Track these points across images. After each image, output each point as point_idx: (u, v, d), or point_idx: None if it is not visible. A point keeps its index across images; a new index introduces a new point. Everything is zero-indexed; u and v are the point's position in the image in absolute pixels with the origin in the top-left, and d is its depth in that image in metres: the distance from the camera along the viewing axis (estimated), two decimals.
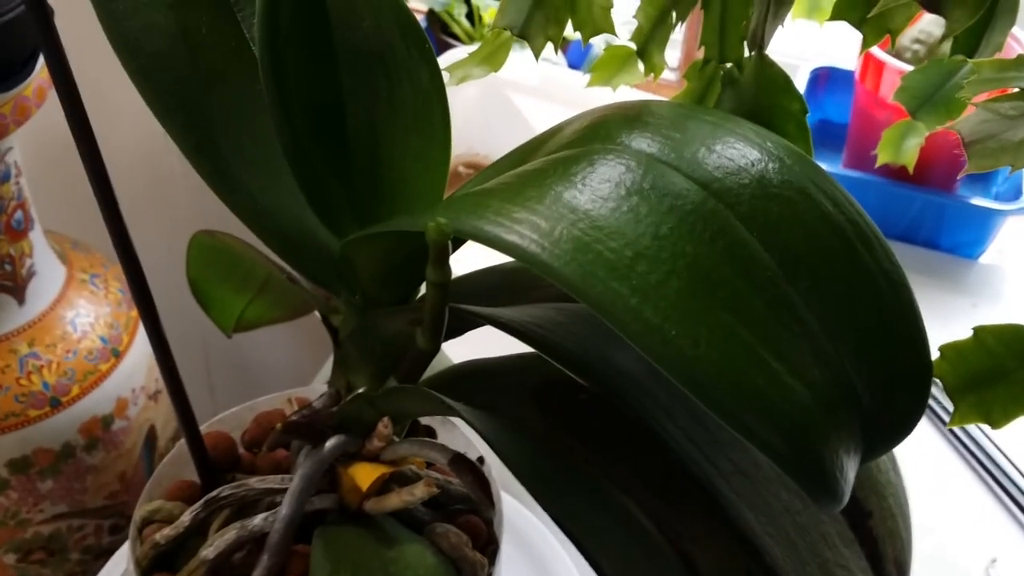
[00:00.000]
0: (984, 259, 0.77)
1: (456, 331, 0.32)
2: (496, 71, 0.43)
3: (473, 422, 0.29)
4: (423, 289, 0.35)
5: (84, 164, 0.31)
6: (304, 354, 1.05)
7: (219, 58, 0.33)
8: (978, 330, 0.28)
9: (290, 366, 1.05)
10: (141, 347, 0.79)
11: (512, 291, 0.34)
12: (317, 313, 0.63)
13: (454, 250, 0.30)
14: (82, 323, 0.75)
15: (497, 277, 0.35)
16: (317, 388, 0.39)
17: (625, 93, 0.46)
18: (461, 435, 0.39)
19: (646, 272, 0.23)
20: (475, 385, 0.33)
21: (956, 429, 0.61)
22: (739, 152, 0.27)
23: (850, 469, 0.25)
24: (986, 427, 0.62)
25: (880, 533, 0.32)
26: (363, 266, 0.32)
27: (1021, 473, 0.59)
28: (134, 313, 0.81)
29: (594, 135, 0.29)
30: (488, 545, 0.36)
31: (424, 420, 0.40)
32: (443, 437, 0.40)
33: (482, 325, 0.34)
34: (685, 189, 0.25)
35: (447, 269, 0.27)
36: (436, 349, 0.31)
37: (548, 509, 0.27)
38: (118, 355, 0.77)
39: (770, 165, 0.27)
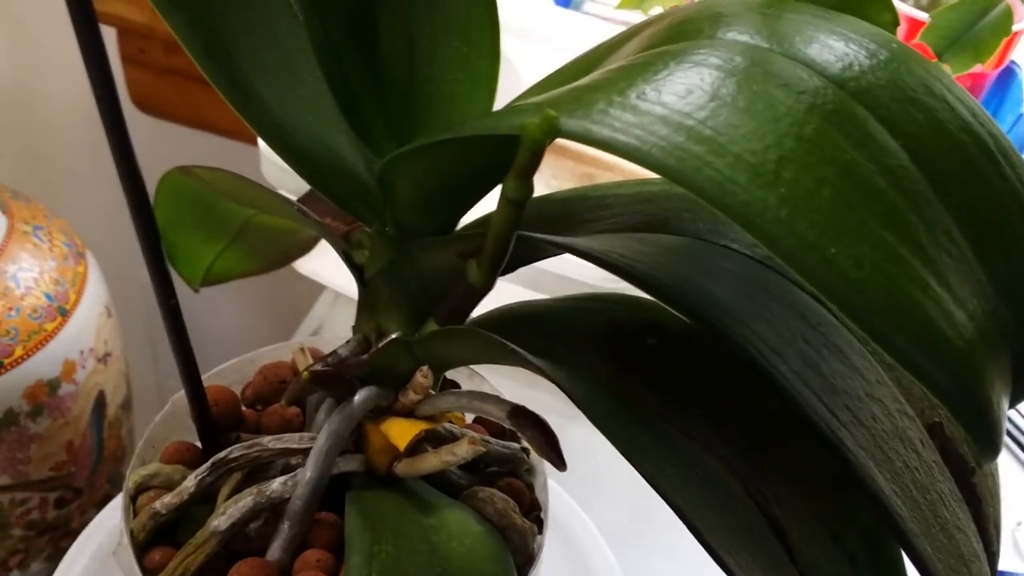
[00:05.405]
0: None
1: (509, 266, 0.28)
2: None
3: (542, 367, 0.25)
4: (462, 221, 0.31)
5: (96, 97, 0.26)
6: (261, 323, 0.99)
7: None
8: None
9: (243, 338, 0.99)
10: (89, 306, 0.73)
11: (567, 223, 0.30)
12: (290, 272, 0.57)
13: None
14: (25, 278, 0.69)
15: (550, 208, 0.30)
16: (329, 339, 0.35)
17: None
18: (491, 390, 0.35)
19: (794, 179, 0.20)
20: (529, 330, 0.29)
21: None
22: (864, 49, 0.23)
23: (1004, 416, 0.22)
24: None
25: (982, 492, 0.29)
26: (404, 189, 0.27)
27: None
28: (81, 268, 0.75)
29: (681, 33, 0.25)
30: (531, 511, 0.32)
31: (448, 373, 0.36)
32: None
33: (540, 259, 0.30)
34: (820, 86, 0.22)
35: (531, 183, 0.23)
36: (491, 285, 0.27)
37: (629, 457, 0.23)
38: (65, 314, 0.71)
39: (902, 66, 0.23)
